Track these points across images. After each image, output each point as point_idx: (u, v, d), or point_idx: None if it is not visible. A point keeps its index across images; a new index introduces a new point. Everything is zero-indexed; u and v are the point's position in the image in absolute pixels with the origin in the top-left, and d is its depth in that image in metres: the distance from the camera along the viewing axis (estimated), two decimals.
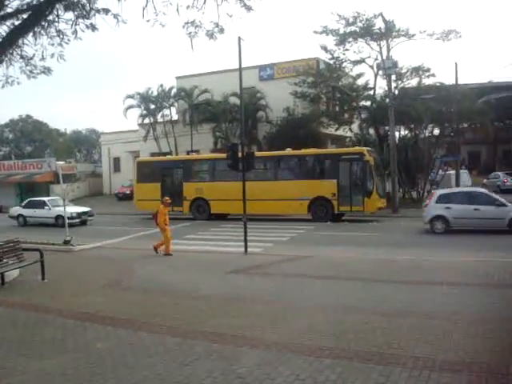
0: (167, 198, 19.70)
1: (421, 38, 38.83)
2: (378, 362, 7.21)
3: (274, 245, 21.00)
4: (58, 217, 30.32)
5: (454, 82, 37.05)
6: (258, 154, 32.77)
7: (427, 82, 39.97)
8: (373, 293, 11.58)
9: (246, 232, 18.72)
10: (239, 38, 19.17)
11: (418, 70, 40.04)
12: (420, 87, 39.54)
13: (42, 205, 32.63)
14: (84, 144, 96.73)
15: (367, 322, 9.15)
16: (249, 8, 12.42)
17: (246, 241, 18.59)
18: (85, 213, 32.47)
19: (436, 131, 41.18)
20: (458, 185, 36.60)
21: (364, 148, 30.97)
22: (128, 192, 52.30)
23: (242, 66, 19.69)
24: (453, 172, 39.53)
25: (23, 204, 34.61)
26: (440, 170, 40.63)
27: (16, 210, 34.85)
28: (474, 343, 7.85)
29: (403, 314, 9.69)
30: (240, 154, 18.96)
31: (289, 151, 31.62)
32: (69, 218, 25.67)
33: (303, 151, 31.75)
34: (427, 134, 40.87)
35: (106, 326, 9.47)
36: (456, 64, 36.82)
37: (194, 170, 34.21)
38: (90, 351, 8.15)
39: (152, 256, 18.20)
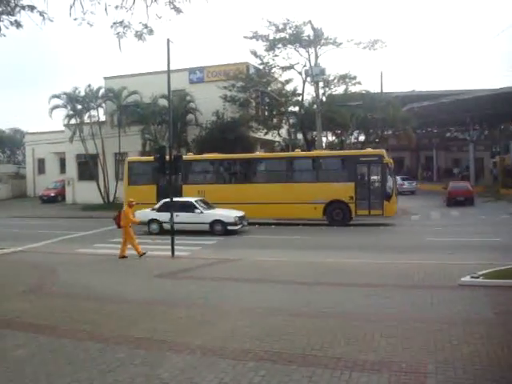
0: (131, 199, 19.53)
1: (348, 47, 39.87)
2: (300, 364, 7.33)
3: (201, 248, 20.97)
4: None
5: (379, 90, 38.22)
6: (268, 155, 33.51)
7: (354, 89, 41.06)
8: (298, 295, 11.78)
9: (173, 235, 18.58)
10: (168, 40, 19.09)
11: (344, 78, 41.04)
12: (347, 94, 40.55)
13: None
14: (7, 144, 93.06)
15: (291, 324, 9.29)
16: (178, 10, 12.33)
17: (172, 244, 18.46)
18: None
19: (361, 137, 42.34)
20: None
21: (383, 150, 30.24)
22: (53, 194, 50.70)
23: (172, 68, 19.63)
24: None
25: None
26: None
27: None
28: (393, 343, 8.11)
29: (326, 315, 9.89)
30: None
31: (300, 152, 31.12)
32: None
33: (317, 152, 30.91)
34: (353, 140, 41.93)
35: (27, 333, 9.17)
36: (381, 73, 38.54)
37: (196, 170, 31.96)
38: (7, 359, 7.87)
39: (77, 260, 17.77)
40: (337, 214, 28.05)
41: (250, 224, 26.61)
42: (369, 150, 31.17)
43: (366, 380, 6.72)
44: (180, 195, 28.33)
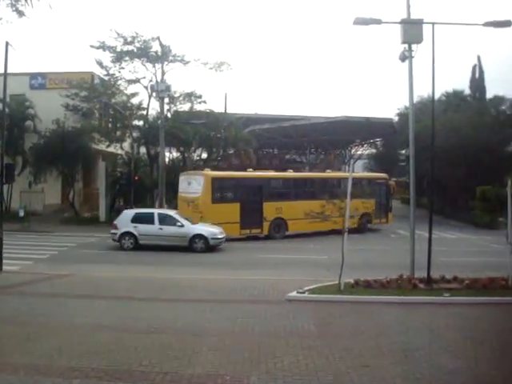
0: None
1: (195, 66, 40.33)
2: (127, 380, 7.33)
3: (33, 262, 19.96)
4: None
5: (224, 110, 39.09)
6: (322, 175, 36.36)
7: (199, 107, 41.60)
8: (130, 311, 11.70)
9: (1, 248, 17.50)
10: (7, 43, 18.25)
11: (190, 96, 41.47)
12: (192, 112, 40.97)
13: None
14: None
15: (121, 341, 9.22)
16: (21, 13, 11.85)
17: (0, 257, 17.39)
18: None
19: (204, 155, 42.95)
20: None
21: (386, 175, 38.22)
22: None
23: (11, 71, 18.70)
24: None
25: None
26: None
27: None
28: (220, 356, 8.37)
29: (157, 331, 9.96)
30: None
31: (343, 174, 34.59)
32: None
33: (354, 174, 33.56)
34: (196, 157, 42.43)
35: None
36: (226, 94, 39.17)
37: (276, 188, 32.53)
38: None
39: None
40: (365, 224, 33.89)
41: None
42: (380, 174, 39.70)
43: None
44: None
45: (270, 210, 29.75)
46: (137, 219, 24.39)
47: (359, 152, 70.85)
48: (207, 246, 23.59)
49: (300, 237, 31.54)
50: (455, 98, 56.34)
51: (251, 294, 13.63)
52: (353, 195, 31.15)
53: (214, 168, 42.26)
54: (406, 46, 15.77)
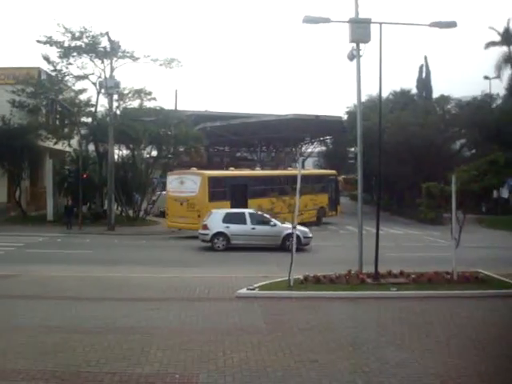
0: None
1: (145, 62, 39.76)
2: (74, 381, 7.24)
3: None
4: None
5: (174, 108, 38.74)
6: (287, 173, 35.22)
7: (149, 104, 41.09)
8: (77, 311, 11.50)
9: None
10: None
11: (140, 93, 40.91)
12: (141, 109, 40.46)
13: None
14: None
15: (68, 341, 9.05)
16: None
17: None
18: None
19: (154, 152, 42.52)
20: None
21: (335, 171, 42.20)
22: None
23: None
24: None
25: None
26: (157, 190, 42.06)
27: None
28: (170, 355, 8.33)
29: (105, 331, 9.82)
30: None
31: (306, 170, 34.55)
32: None
33: (309, 171, 38.60)
34: (146, 155, 41.99)
35: None
36: (176, 91, 38.69)
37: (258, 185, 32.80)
38: None
39: None
40: (321, 217, 36.57)
41: None
42: (330, 171, 44.07)
43: None
44: None
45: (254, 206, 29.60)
46: (228, 219, 24.11)
47: (309, 150, 71.58)
48: (299, 244, 20.91)
49: None
50: (403, 97, 57.49)
51: (201, 291, 13.58)
52: (309, 190, 32.55)
53: (165, 166, 41.99)
54: (355, 45, 16.02)
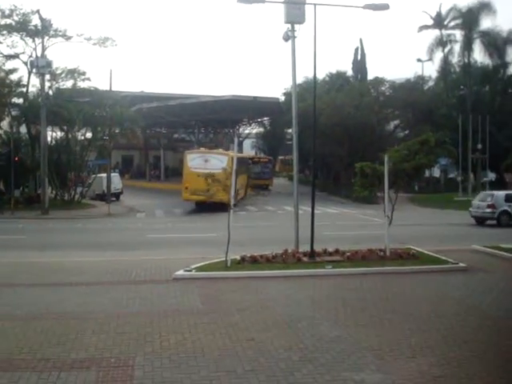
0: None
1: (78, 41, 38.68)
2: (6, 369, 7.03)
3: None
4: None
5: (109, 88, 37.95)
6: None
7: (83, 85, 40.09)
8: (10, 297, 11.18)
9: None
10: None
11: (73, 73, 39.82)
12: (75, 89, 39.45)
13: None
14: None
15: (0, 329, 8.81)
16: None
17: None
18: None
19: (89, 134, 41.62)
20: (108, 187, 37.48)
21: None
22: None
23: None
24: (104, 175, 40.38)
25: None
26: (92, 173, 41.30)
27: None
28: (105, 339, 8.22)
29: (39, 316, 9.60)
30: None
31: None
32: None
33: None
34: (80, 137, 41.04)
35: None
36: (111, 71, 37.84)
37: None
38: None
39: None
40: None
41: None
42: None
43: (74, 379, 6.70)
44: None
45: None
46: (509, 199, 27.61)
47: (247, 131, 71.68)
48: None
49: (190, 215, 31.67)
50: (338, 78, 58.32)
51: (138, 274, 13.45)
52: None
53: (100, 148, 41.21)
54: (290, 25, 16.08)
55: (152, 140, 69.53)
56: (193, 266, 13.47)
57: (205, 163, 31.99)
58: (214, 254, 15.49)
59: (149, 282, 12.56)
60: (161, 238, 21.68)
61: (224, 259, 13.73)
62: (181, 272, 13.01)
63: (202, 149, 37.10)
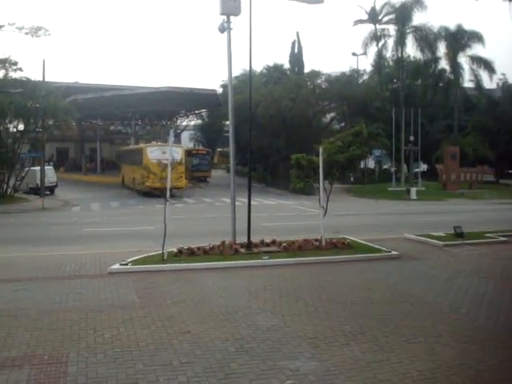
0: None
1: (10, 31, 37.41)
2: None
3: None
4: None
5: (42, 79, 36.87)
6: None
7: (14, 75, 38.78)
8: None
9: None
10: None
11: (4, 63, 38.43)
12: (6, 80, 38.09)
13: None
14: None
15: None
16: None
17: None
18: None
19: (21, 126, 40.34)
20: (42, 181, 36.53)
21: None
22: None
23: None
24: (38, 168, 39.34)
25: None
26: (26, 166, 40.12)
27: None
28: (38, 336, 8.04)
29: None
30: None
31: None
32: None
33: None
34: (12, 129, 39.76)
35: None
36: (44, 61, 36.64)
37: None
38: None
39: None
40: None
41: None
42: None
43: (6, 378, 6.54)
44: None
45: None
46: None
47: (185, 123, 71.16)
48: None
49: (127, 208, 31.28)
50: (276, 71, 58.83)
51: (72, 269, 13.14)
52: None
53: (33, 140, 40.05)
54: (225, 17, 16.08)
55: (88, 132, 68.05)
56: (129, 260, 13.30)
57: (163, 155, 32.28)
58: (151, 247, 15.39)
59: (83, 276, 12.30)
60: (97, 232, 21.29)
61: (161, 252, 13.64)
62: (116, 266, 12.83)
63: (154, 142, 41.29)
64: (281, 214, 28.40)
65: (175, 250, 14.13)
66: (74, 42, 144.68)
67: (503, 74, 64.13)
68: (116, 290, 10.93)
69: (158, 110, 54.34)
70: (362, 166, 55.62)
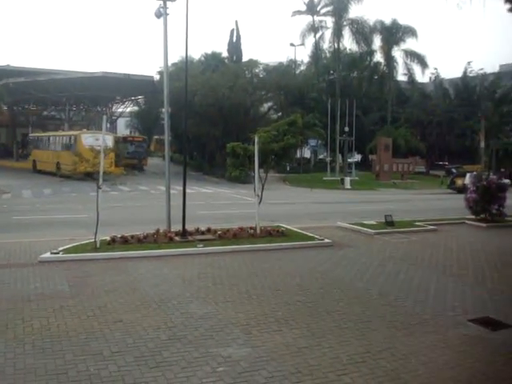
0: None
1: None
2: None
3: None
4: None
5: None
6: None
7: None
8: None
9: None
10: None
11: None
12: None
13: None
14: None
15: None
16: None
17: None
18: None
19: None
20: None
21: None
22: None
23: None
24: None
25: None
26: None
27: None
28: None
29: None
30: None
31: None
32: None
33: None
34: None
35: None
36: None
37: None
38: None
39: None
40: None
41: None
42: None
43: None
44: None
45: None
46: None
47: (121, 109, 69.90)
48: None
49: (60, 195, 30.53)
50: (214, 59, 58.51)
51: (1, 257, 12.69)
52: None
53: None
54: (162, 2, 15.88)
55: (20, 117, 65.81)
56: (60, 248, 12.99)
57: (96, 141, 31.91)
58: (84, 235, 15.04)
59: (12, 265, 11.92)
60: (28, 220, 20.65)
61: (93, 240, 13.41)
62: (47, 255, 12.50)
63: (85, 130, 42.64)
64: (217, 202, 28.41)
65: (108, 238, 13.92)
66: (6, 23, 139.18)
67: (435, 69, 66.35)
68: (46, 279, 10.67)
69: (93, 95, 53.15)
70: (298, 155, 56.34)
